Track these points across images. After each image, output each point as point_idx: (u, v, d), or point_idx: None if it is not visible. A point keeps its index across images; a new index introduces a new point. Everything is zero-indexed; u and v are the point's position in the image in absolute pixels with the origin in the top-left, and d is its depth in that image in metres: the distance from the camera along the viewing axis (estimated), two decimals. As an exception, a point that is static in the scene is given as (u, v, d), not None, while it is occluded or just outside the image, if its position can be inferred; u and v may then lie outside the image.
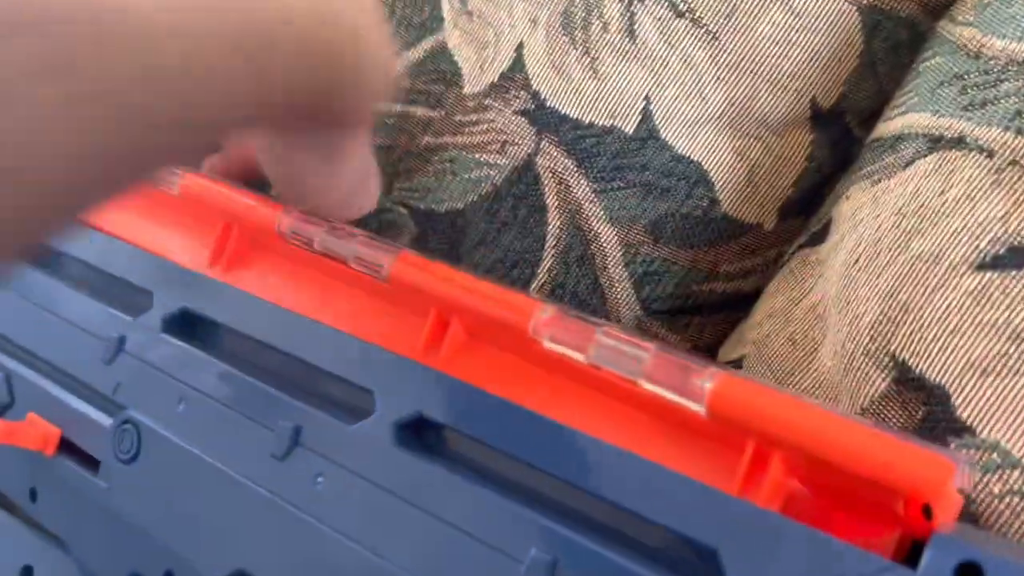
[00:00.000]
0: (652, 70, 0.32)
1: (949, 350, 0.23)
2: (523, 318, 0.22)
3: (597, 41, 0.33)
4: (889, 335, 0.24)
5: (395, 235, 0.36)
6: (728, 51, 0.32)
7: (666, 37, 0.32)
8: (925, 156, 0.26)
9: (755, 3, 0.31)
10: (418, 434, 0.24)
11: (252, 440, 0.26)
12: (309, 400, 0.25)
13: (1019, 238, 0.23)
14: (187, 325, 0.29)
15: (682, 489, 0.19)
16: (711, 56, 0.32)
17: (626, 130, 0.33)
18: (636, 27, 0.32)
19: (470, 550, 0.21)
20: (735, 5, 0.32)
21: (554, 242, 0.33)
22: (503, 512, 0.21)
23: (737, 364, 0.30)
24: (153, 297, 0.30)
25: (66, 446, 0.30)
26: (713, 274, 0.33)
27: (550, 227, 0.33)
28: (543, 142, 0.34)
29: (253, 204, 0.28)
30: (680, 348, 0.21)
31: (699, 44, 0.32)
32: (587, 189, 0.33)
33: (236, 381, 0.27)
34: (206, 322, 0.29)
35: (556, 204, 0.33)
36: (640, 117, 0.32)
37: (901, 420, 0.23)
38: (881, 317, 0.24)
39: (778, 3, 0.31)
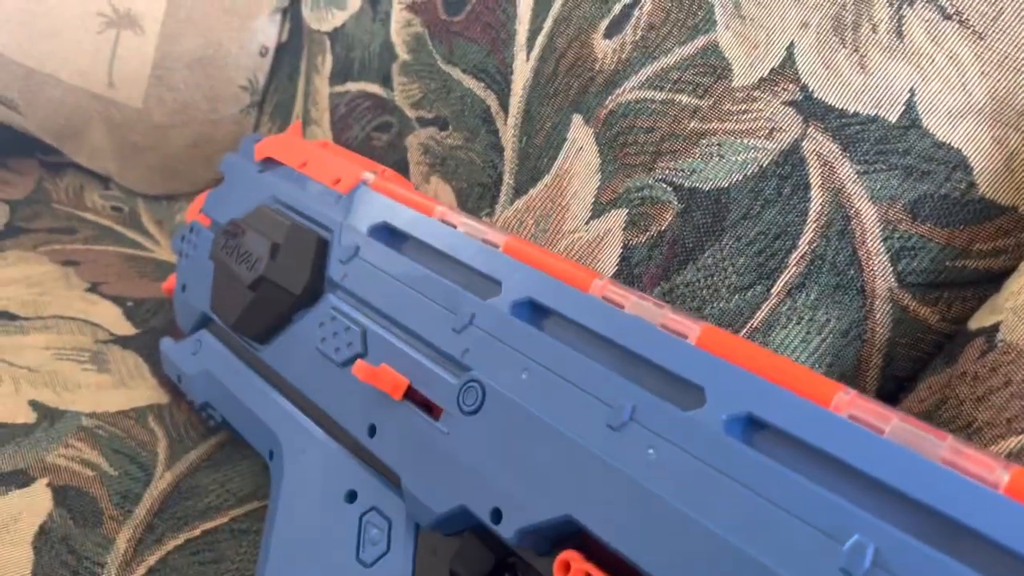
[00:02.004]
0: (918, 66, 0.36)
1: None
2: (824, 399, 0.27)
3: (866, 41, 0.37)
4: None
5: (659, 210, 0.41)
6: (993, 49, 0.35)
7: (933, 37, 0.36)
8: None
9: (1021, 5, 0.35)
10: (745, 427, 0.28)
11: (589, 411, 0.30)
12: (644, 386, 0.30)
13: None
14: (532, 312, 0.35)
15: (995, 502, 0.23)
16: (976, 53, 0.35)
17: (890, 119, 0.36)
18: (904, 28, 0.36)
19: (793, 527, 0.25)
20: (1001, 8, 0.35)
21: (816, 217, 0.37)
22: (829, 502, 0.25)
23: (993, 329, 0.33)
24: (502, 285, 0.35)
25: (410, 394, 0.36)
26: (966, 252, 0.36)
27: (813, 203, 0.37)
28: (809, 128, 0.38)
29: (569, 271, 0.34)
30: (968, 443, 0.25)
31: (965, 43, 0.35)
32: (850, 171, 0.37)
33: (578, 361, 0.32)
34: (549, 311, 0.34)
35: (820, 183, 0.37)
36: (904, 108, 0.36)
37: None
38: None
39: (1044, 6, 0.34)
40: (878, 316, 0.37)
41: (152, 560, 0.43)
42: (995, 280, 0.36)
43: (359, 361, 0.37)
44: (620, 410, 0.30)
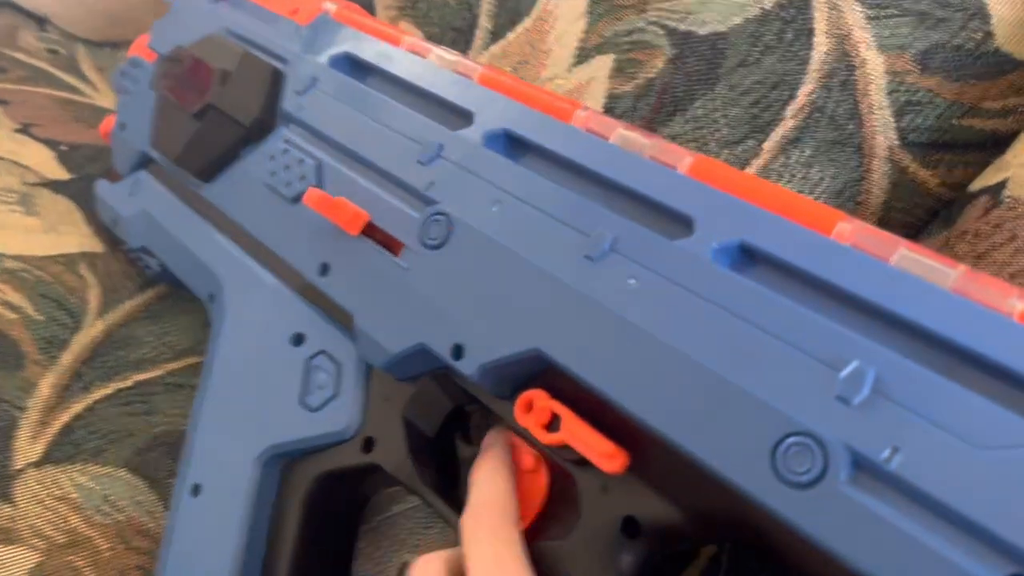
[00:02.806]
0: (943, -100, 0.33)
1: None
2: (825, 228, 0.24)
3: None
4: None
5: (649, 56, 0.38)
6: None
7: None
8: None
9: None
10: (736, 256, 0.25)
11: (566, 243, 0.27)
12: (627, 216, 0.27)
13: None
14: (507, 143, 0.31)
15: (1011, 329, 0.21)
16: None
17: (907, -40, 0.33)
18: None
19: (784, 356, 0.23)
20: None
21: (818, 66, 0.35)
22: (825, 328, 0.22)
23: (999, 186, 0.31)
24: (474, 116, 0.32)
25: (367, 230, 0.33)
26: (975, 110, 0.34)
27: (815, 51, 0.35)
28: (818, -32, 0.35)
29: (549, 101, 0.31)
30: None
31: None
32: (859, 15, 0.34)
33: (555, 193, 0.29)
34: (526, 143, 0.31)
35: (825, 28, 0.34)
36: (923, -52, 0.33)
37: None
38: None
39: None
40: (875, 176, 0.34)
41: (79, 407, 0.40)
42: (1000, 144, 0.34)
43: (312, 188, 0.34)
44: (599, 240, 0.27)
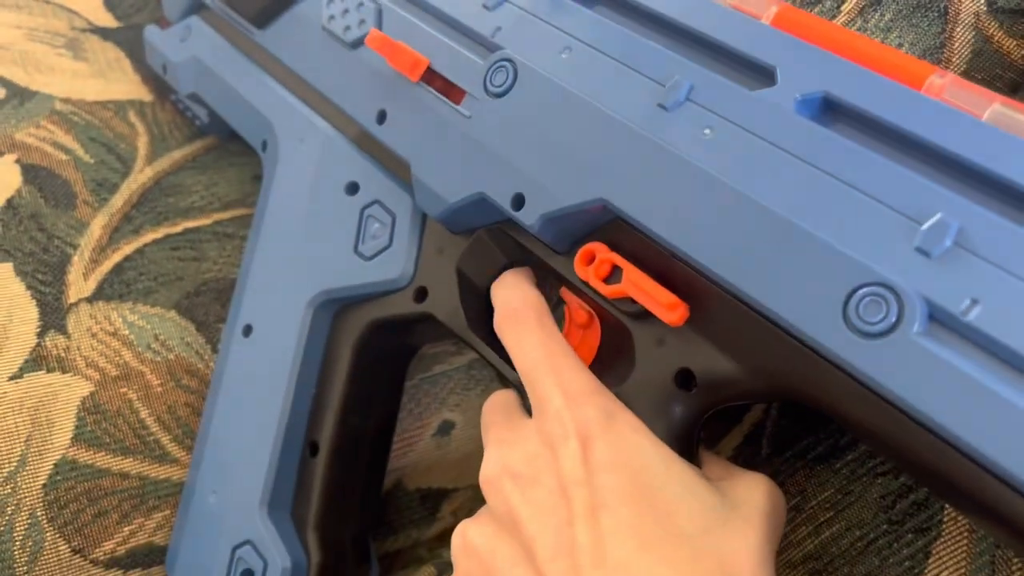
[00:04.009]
0: None
1: None
2: (915, 82, 0.24)
3: None
4: None
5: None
6: None
7: None
8: None
9: None
10: (820, 108, 0.24)
11: (639, 91, 0.27)
12: (705, 66, 0.26)
13: None
14: None
15: None
16: None
17: None
18: None
19: (865, 206, 0.22)
20: None
21: (910, -76, 0.33)
22: (909, 181, 0.22)
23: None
24: None
25: (428, 78, 0.32)
26: (1074, -22, 0.32)
27: (909, -92, 0.33)
28: None
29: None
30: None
31: None
32: None
33: (629, 40, 0.28)
34: None
35: None
36: None
37: None
38: None
39: None
40: (956, 44, 0.33)
41: (129, 249, 0.41)
42: (1096, 18, 0.32)
43: (374, 30, 0.33)
44: (675, 88, 0.26)
